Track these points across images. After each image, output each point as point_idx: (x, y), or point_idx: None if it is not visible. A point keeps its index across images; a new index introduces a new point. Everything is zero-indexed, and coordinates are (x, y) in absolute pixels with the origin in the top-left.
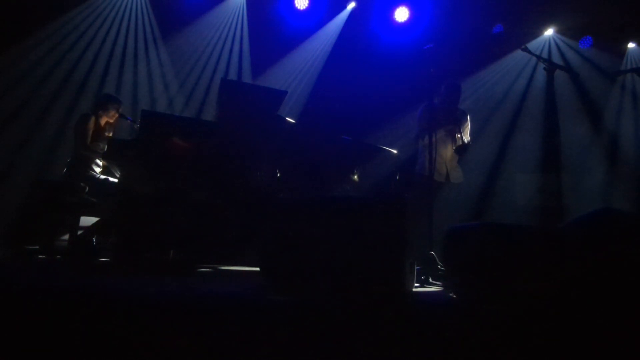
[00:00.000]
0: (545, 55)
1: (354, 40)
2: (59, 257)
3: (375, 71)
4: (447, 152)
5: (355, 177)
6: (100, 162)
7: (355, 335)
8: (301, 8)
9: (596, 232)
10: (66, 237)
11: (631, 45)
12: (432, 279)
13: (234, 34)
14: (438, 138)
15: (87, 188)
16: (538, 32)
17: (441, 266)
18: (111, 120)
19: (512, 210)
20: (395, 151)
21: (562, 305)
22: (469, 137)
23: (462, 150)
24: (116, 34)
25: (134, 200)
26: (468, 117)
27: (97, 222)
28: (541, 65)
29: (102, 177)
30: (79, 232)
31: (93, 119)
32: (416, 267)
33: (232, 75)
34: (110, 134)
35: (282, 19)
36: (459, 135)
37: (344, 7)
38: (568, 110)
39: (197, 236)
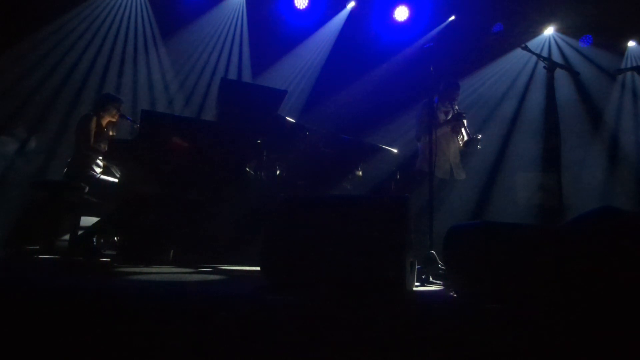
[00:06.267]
0: (545, 53)
1: (353, 40)
2: (59, 257)
3: (375, 70)
4: (451, 148)
5: (356, 176)
6: (100, 162)
7: (356, 335)
8: (301, 7)
9: (597, 231)
10: (66, 237)
11: (631, 43)
12: (433, 278)
13: (234, 34)
14: (442, 135)
15: (87, 188)
16: (538, 30)
17: (442, 265)
18: (114, 119)
19: (512, 209)
20: (395, 150)
21: (563, 305)
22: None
23: (472, 143)
24: (116, 34)
25: (134, 200)
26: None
27: (97, 222)
28: (541, 64)
29: (102, 177)
30: (79, 232)
31: (95, 119)
32: (417, 266)
33: (232, 75)
34: (113, 133)
35: (282, 18)
36: (463, 131)
37: (344, 7)
38: (568, 109)
39: (197, 235)
